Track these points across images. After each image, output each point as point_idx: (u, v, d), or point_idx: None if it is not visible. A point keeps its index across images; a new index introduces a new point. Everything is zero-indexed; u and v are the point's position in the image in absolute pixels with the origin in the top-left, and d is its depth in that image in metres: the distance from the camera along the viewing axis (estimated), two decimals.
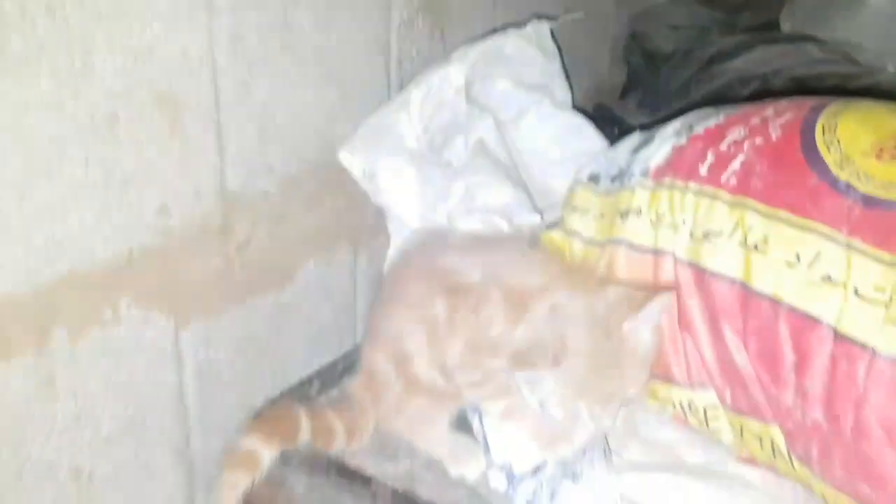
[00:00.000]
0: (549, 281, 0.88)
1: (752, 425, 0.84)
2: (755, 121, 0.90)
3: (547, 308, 0.85)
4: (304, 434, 0.87)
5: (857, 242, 0.74)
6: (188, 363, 1.00)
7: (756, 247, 0.81)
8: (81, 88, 0.82)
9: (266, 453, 0.84)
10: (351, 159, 1.11)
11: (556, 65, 1.27)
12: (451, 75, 1.14)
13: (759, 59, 1.62)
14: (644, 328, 0.86)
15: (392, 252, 1.15)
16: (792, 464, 0.81)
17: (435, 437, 0.93)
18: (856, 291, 0.72)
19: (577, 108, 1.29)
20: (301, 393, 1.01)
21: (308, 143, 1.10)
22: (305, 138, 1.10)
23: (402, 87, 1.22)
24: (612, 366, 0.84)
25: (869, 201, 0.76)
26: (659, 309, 0.85)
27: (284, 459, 0.87)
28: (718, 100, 1.59)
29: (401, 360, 0.89)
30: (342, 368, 1.05)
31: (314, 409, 0.91)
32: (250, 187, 1.03)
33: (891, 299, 0.70)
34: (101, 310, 0.89)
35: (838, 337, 0.73)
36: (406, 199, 1.10)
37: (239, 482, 0.84)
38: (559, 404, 0.83)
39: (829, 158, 0.81)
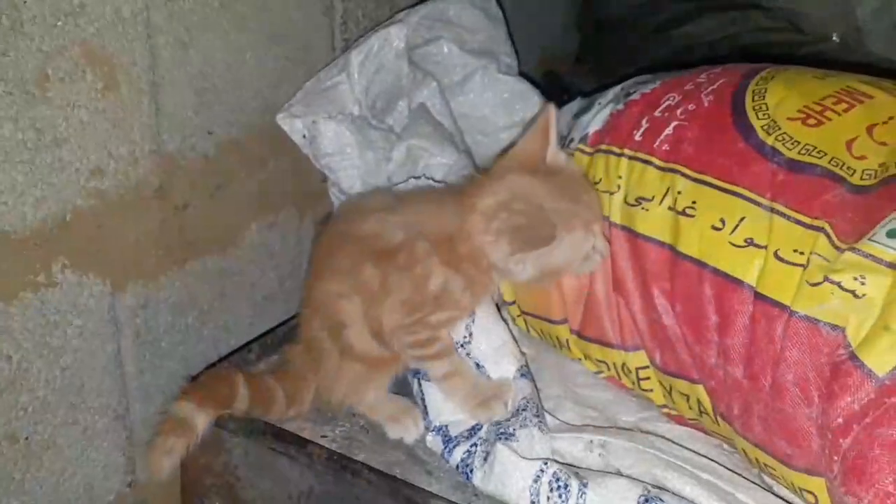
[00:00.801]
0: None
1: (680, 385, 0.86)
2: (689, 87, 0.92)
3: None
4: (242, 400, 0.88)
5: (779, 206, 0.76)
6: (126, 328, 0.99)
7: (684, 211, 0.82)
8: (10, 47, 0.80)
9: (201, 418, 0.84)
10: (290, 122, 1.11)
11: (502, 30, 1.27)
12: (393, 38, 1.14)
13: (706, 27, 1.63)
14: (559, 153, 0.91)
15: None
16: (716, 421, 0.84)
17: (373, 401, 0.94)
18: (776, 254, 0.74)
19: (523, 74, 1.29)
20: (240, 359, 1.01)
21: (249, 105, 1.09)
22: (246, 101, 1.09)
23: (347, 48, 1.21)
24: (575, 186, 0.90)
25: (793, 165, 0.78)
26: (553, 124, 0.90)
27: (221, 424, 0.87)
28: (666, 67, 1.60)
29: (335, 328, 0.90)
30: (283, 335, 1.05)
31: (253, 375, 0.91)
32: (188, 150, 1.02)
33: (808, 261, 0.72)
34: (35, 273, 0.88)
35: (758, 297, 0.75)
36: (347, 162, 1.09)
37: (173, 447, 0.85)
38: (571, 251, 0.88)
39: (757, 123, 0.83)
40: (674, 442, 0.86)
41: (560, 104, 1.34)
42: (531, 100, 1.27)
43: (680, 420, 0.91)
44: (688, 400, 0.86)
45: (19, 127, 0.83)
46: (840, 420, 0.65)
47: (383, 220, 0.90)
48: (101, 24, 0.88)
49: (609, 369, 0.96)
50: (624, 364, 0.93)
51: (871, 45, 1.65)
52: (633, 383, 0.94)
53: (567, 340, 0.98)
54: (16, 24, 0.80)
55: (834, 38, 1.67)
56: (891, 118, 0.79)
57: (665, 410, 0.93)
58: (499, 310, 0.99)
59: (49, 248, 0.89)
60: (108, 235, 0.95)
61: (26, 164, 0.84)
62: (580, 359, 0.99)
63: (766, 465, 0.78)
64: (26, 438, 0.91)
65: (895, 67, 1.51)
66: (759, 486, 0.81)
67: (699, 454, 0.85)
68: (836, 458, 0.65)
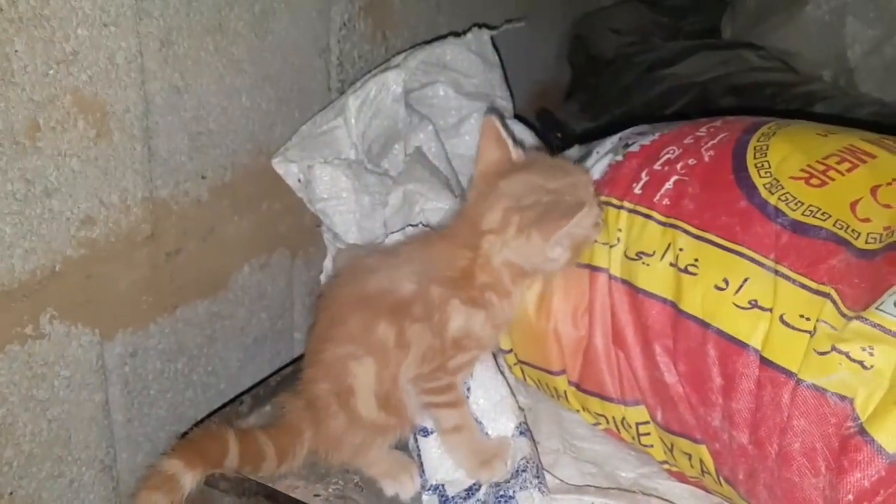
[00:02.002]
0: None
1: (683, 444, 0.85)
2: (689, 140, 0.91)
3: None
4: (233, 458, 0.85)
5: (784, 269, 0.75)
6: (114, 377, 0.97)
7: (687, 269, 0.82)
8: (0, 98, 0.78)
9: (188, 477, 0.82)
10: (286, 167, 1.09)
11: (497, 73, 1.27)
12: (390, 83, 1.13)
13: (698, 66, 1.64)
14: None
15: (326, 265, 1.13)
16: (719, 482, 0.82)
17: (373, 458, 0.92)
18: (782, 318, 0.73)
19: (518, 116, 1.29)
20: (231, 412, 0.98)
21: (243, 148, 1.08)
22: (240, 143, 1.07)
23: (343, 90, 1.20)
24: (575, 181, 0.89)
25: (797, 227, 0.77)
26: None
27: (211, 483, 0.85)
28: (658, 106, 1.61)
29: (344, 393, 0.87)
30: (275, 385, 1.02)
31: (244, 431, 0.89)
32: (181, 195, 1.00)
33: (815, 328, 0.71)
34: (22, 325, 0.86)
35: (764, 362, 0.74)
36: (343, 207, 1.08)
37: None
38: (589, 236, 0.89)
39: (760, 182, 0.82)
40: None
41: (554, 143, 1.34)
42: (526, 141, 1.26)
43: (681, 477, 0.90)
44: (690, 459, 0.85)
45: (8, 178, 0.81)
46: (850, 497, 0.64)
47: (389, 274, 0.88)
48: (93, 72, 0.86)
49: (608, 423, 0.95)
50: (624, 419, 0.92)
51: (862, 85, 1.67)
52: (633, 438, 0.92)
53: (565, 392, 0.97)
54: (6, 75, 0.79)
55: (825, 77, 1.68)
56: (894, 179, 0.78)
57: (666, 467, 0.91)
58: (495, 359, 0.97)
59: (37, 300, 0.87)
60: (98, 284, 0.93)
61: (15, 216, 0.83)
62: (578, 410, 0.98)
63: None
64: (10, 493, 0.89)
65: (886, 109, 1.52)
66: None
67: None
68: None
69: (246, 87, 1.06)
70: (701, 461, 0.83)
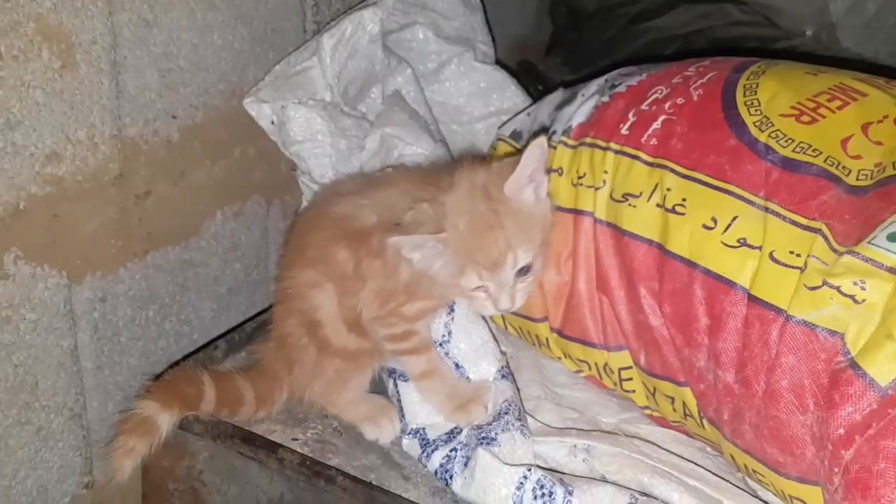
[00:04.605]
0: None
1: (665, 387, 0.84)
2: (677, 80, 0.89)
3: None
4: (209, 401, 0.83)
5: (774, 206, 0.74)
6: (83, 322, 0.94)
7: (674, 209, 0.80)
8: None
9: (165, 419, 0.80)
10: (258, 107, 1.05)
11: (478, 16, 1.23)
12: (367, 21, 1.09)
13: (680, 20, 1.61)
14: (526, 187, 0.82)
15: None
16: (702, 425, 0.82)
17: (350, 400, 0.90)
18: (771, 255, 0.72)
19: (500, 63, 1.26)
20: (206, 356, 0.95)
21: (215, 89, 1.04)
22: (212, 84, 1.03)
23: (319, 32, 1.16)
24: (495, 226, 0.80)
25: (787, 164, 0.76)
26: (533, 160, 0.80)
27: (185, 426, 0.82)
28: (640, 59, 1.58)
29: (311, 323, 0.85)
30: (251, 331, 1.00)
31: (220, 374, 0.87)
32: (150, 134, 0.96)
33: (805, 264, 0.70)
34: None
35: (752, 300, 0.72)
36: (318, 150, 1.04)
37: (135, 447, 0.80)
38: (449, 274, 0.81)
39: (750, 119, 0.80)
40: (658, 446, 0.84)
41: (535, 95, 1.31)
42: (508, 89, 1.24)
43: (662, 422, 0.89)
44: (672, 402, 0.84)
45: None
46: (841, 430, 0.63)
47: (357, 202, 0.85)
48: None
49: (590, 369, 0.93)
50: (606, 364, 0.90)
51: (844, 41, 1.65)
52: (615, 384, 0.91)
53: (547, 339, 0.95)
54: None
55: (807, 33, 1.67)
56: (885, 117, 0.77)
57: (647, 412, 0.90)
58: None
59: (1, 238, 0.83)
60: (65, 225, 0.89)
61: None
62: (560, 358, 0.96)
63: (755, 471, 0.76)
64: None
65: (867, 64, 1.51)
66: (745, 491, 0.79)
67: (685, 458, 0.82)
68: (836, 469, 0.63)
69: (218, 24, 1.02)
70: (684, 404, 0.82)
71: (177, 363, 0.98)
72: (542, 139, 0.81)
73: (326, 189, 0.94)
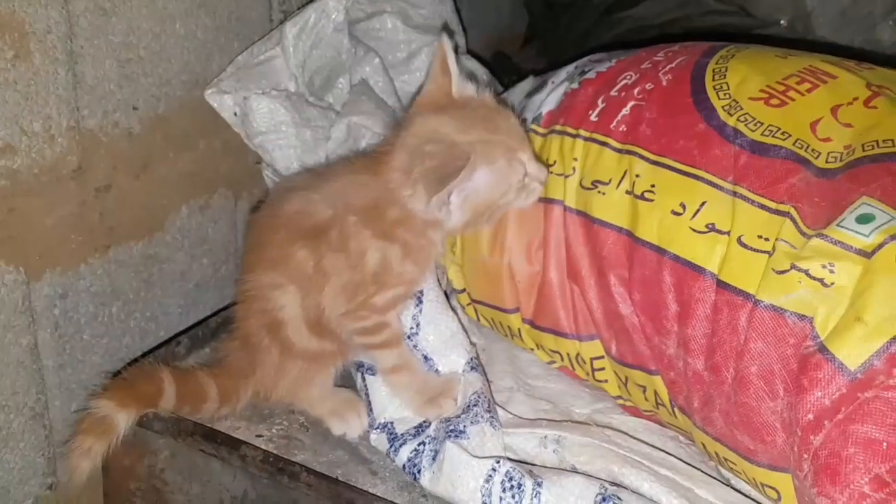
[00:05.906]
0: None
1: (637, 376, 0.82)
2: (646, 65, 0.88)
3: None
4: (168, 399, 0.81)
5: (742, 190, 0.73)
6: (43, 319, 0.91)
7: (643, 195, 0.79)
8: None
9: (122, 418, 0.78)
10: (219, 98, 1.03)
11: (448, 4, 1.21)
12: (331, 10, 1.06)
13: (655, 9, 1.61)
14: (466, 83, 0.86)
15: None
16: (674, 413, 0.80)
17: (316, 396, 0.88)
18: (739, 240, 0.71)
19: (472, 53, 1.24)
20: (167, 353, 0.93)
21: (177, 79, 1.01)
22: (174, 74, 1.01)
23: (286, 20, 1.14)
24: (490, 113, 0.85)
25: (756, 147, 0.75)
26: (450, 54, 0.84)
27: (145, 424, 0.80)
28: (616, 49, 1.57)
29: (273, 324, 0.84)
30: (216, 326, 0.98)
31: (182, 371, 0.84)
32: (111, 126, 0.94)
33: (774, 248, 0.69)
34: None
35: (721, 286, 0.71)
36: (283, 141, 1.02)
37: (92, 448, 0.78)
38: (497, 180, 0.82)
39: (718, 103, 0.79)
40: (630, 435, 0.83)
41: (509, 86, 1.30)
42: (480, 80, 1.21)
43: (635, 412, 0.88)
44: (644, 391, 0.83)
45: None
46: (810, 416, 0.62)
47: (308, 197, 0.83)
48: None
49: (562, 359, 0.92)
50: (578, 354, 0.89)
51: (819, 30, 1.65)
52: (587, 374, 0.90)
53: (519, 330, 0.94)
54: None
55: (783, 22, 1.66)
56: (855, 99, 0.76)
57: (620, 402, 0.89)
58: (448, 298, 0.94)
59: None
60: (21, 219, 0.87)
61: None
62: (532, 349, 0.95)
63: (726, 459, 0.75)
64: None
65: (841, 53, 1.51)
66: (717, 480, 0.78)
67: (656, 447, 0.81)
68: (805, 455, 0.62)
69: (180, 12, 1.00)
70: (655, 393, 0.81)
71: (137, 360, 0.96)
72: (443, 35, 0.87)
73: (278, 187, 0.92)
